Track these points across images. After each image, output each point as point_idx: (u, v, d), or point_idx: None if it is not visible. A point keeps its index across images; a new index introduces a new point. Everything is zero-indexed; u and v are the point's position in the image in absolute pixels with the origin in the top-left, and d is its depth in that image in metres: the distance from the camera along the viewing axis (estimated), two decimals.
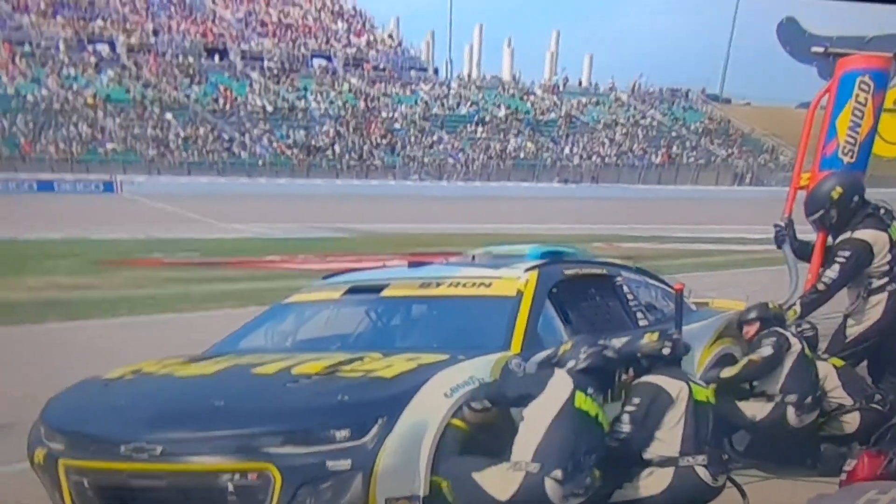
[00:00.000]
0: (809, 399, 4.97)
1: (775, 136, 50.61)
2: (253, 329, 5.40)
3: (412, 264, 5.76)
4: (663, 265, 14.63)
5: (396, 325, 5.29)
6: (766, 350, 5.07)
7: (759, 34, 50.40)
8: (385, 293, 5.19)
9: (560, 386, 3.86)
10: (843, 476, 2.17)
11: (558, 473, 3.64)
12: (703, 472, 4.04)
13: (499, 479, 3.69)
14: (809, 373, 5.08)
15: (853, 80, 6.20)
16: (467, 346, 4.29)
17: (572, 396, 3.78)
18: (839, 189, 5.49)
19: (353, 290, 5.35)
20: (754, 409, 5.06)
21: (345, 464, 3.71)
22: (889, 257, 5.49)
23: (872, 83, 6.19)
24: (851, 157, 6.18)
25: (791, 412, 4.94)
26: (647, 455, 4.10)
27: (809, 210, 5.64)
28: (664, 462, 4.07)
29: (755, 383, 5.16)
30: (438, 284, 5.12)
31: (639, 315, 5.50)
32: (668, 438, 4.09)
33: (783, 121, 46.17)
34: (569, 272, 5.26)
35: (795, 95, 45.39)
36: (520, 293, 4.77)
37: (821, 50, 6.97)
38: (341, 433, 3.73)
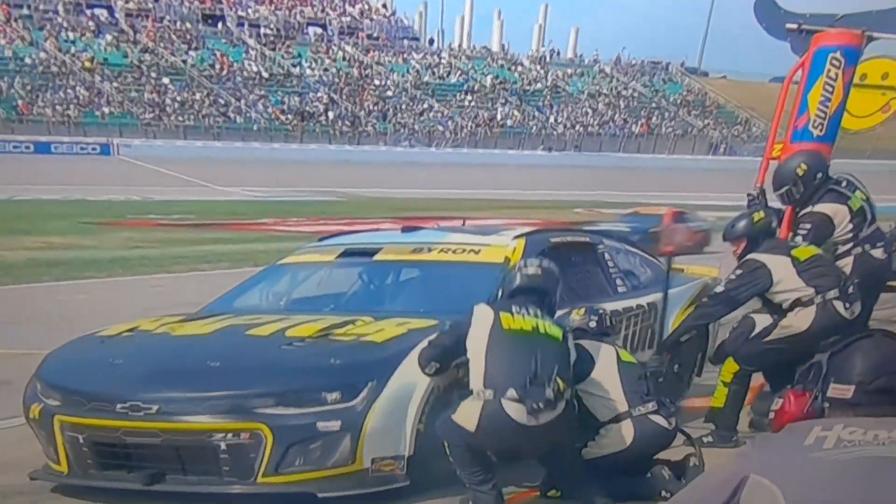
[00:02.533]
0: (850, 288, 4.96)
1: (749, 109, 50.75)
2: (248, 288, 5.46)
3: (405, 229, 5.72)
4: None
5: (388, 288, 5.31)
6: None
7: (736, 10, 50.55)
8: (378, 257, 5.24)
9: (482, 315, 3.84)
10: (772, 415, 1.87)
11: (512, 392, 3.63)
12: (657, 418, 4.10)
13: (465, 413, 3.69)
14: (829, 266, 5.14)
15: (825, 56, 6.19)
16: (456, 310, 4.14)
17: (497, 320, 3.79)
18: (804, 166, 5.51)
19: (347, 254, 5.39)
20: (798, 321, 4.95)
21: (334, 425, 3.78)
22: (851, 226, 5.53)
23: (843, 59, 6.18)
24: (821, 130, 6.18)
25: (840, 306, 4.90)
26: (599, 416, 4.11)
27: (776, 185, 5.69)
28: (620, 417, 4.08)
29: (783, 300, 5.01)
30: (430, 250, 5.15)
31: (618, 281, 5.62)
32: (614, 396, 4.11)
33: (757, 94, 45.96)
34: (555, 240, 5.34)
35: (769, 70, 45.61)
36: (507, 260, 4.78)
37: (794, 26, 6.86)
38: (332, 395, 3.81)
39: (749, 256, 5.06)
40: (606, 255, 5.68)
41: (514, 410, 3.62)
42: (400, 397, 3.88)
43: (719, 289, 5.16)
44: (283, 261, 5.70)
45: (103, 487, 4.03)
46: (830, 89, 6.18)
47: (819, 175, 5.54)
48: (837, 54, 6.21)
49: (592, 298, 4.95)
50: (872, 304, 5.67)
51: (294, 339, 4.16)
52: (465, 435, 3.69)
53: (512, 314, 3.82)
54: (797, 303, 4.98)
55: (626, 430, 4.08)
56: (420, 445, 3.91)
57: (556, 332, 3.90)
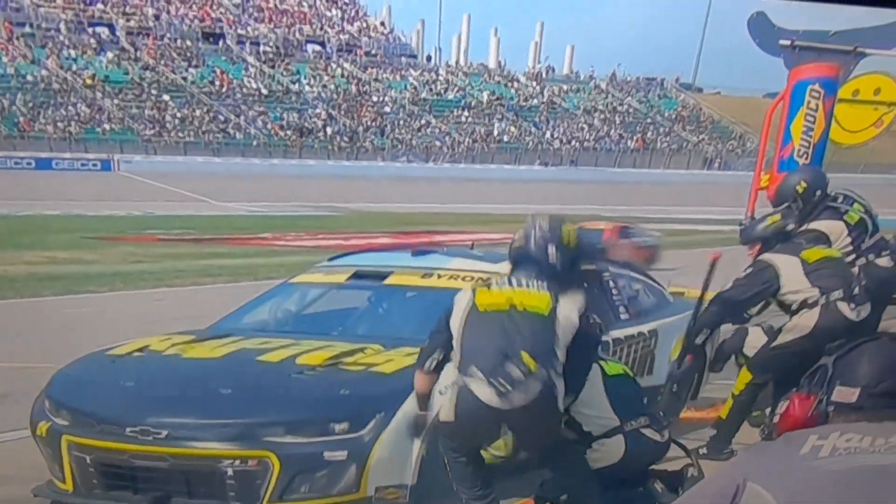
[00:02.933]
0: (856, 289, 4.91)
1: (743, 124, 51.06)
2: (258, 305, 5.42)
3: (416, 252, 5.64)
4: None
5: (397, 314, 5.22)
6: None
7: (730, 27, 50.82)
8: (388, 281, 5.19)
9: (461, 296, 3.79)
10: (776, 419, 1.81)
11: (474, 370, 3.51)
12: (649, 432, 4.03)
13: (445, 405, 3.66)
14: (838, 269, 5.07)
15: (804, 88, 6.39)
16: None
17: (472, 298, 3.71)
18: (803, 184, 5.60)
19: (358, 276, 5.36)
20: (803, 322, 4.91)
21: (341, 454, 3.78)
22: (849, 239, 5.65)
23: (822, 90, 6.38)
24: (806, 158, 6.41)
25: (845, 307, 4.86)
26: (592, 431, 3.99)
27: (777, 201, 5.72)
28: (611, 432, 3.99)
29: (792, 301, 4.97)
30: (440, 276, 5.08)
31: (620, 309, 5.49)
32: (603, 412, 4.00)
33: (751, 109, 45.76)
34: None
35: (763, 85, 45.78)
36: None
37: (788, 43, 6.97)
38: (341, 426, 3.80)
39: (759, 257, 5.08)
40: (611, 283, 5.58)
41: (483, 393, 3.48)
42: (406, 428, 3.86)
43: (727, 289, 5.10)
44: (294, 279, 5.68)
45: None
46: (812, 119, 6.39)
47: (818, 192, 5.65)
48: (816, 86, 6.41)
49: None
50: (881, 311, 5.61)
51: (304, 367, 4.16)
52: (447, 428, 3.66)
53: (489, 288, 3.74)
54: (803, 304, 4.95)
55: (618, 445, 3.97)
56: (424, 474, 3.91)
57: (538, 303, 3.65)
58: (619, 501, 4.04)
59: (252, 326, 5.05)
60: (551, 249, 3.80)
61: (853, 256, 5.57)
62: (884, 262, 5.76)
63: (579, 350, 3.73)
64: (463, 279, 4.91)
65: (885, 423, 1.83)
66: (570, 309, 3.70)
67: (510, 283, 3.73)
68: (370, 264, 5.61)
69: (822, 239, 5.46)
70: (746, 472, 1.80)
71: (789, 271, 4.99)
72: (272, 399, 4.02)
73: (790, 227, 5.29)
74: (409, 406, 3.86)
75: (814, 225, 5.60)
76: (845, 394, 1.91)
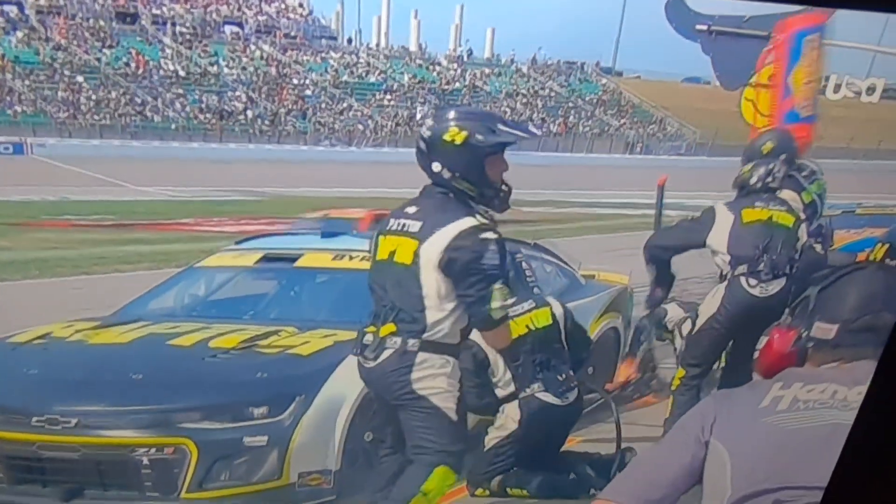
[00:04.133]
0: (762, 265, 4.75)
1: (663, 108, 51.65)
2: (164, 291, 5.34)
3: (325, 234, 5.62)
4: (562, 228, 15.40)
5: (309, 296, 5.19)
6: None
7: (648, 11, 51.67)
8: (299, 263, 5.14)
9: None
10: (756, 354, 2.14)
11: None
12: (545, 396, 4.20)
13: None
14: (766, 236, 4.85)
15: (801, 38, 6.42)
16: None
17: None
18: (769, 145, 5.41)
19: (267, 258, 5.30)
20: (712, 300, 4.85)
21: (261, 440, 3.75)
22: (804, 215, 5.49)
23: (819, 38, 6.43)
24: (809, 110, 6.46)
25: (745, 282, 4.77)
26: (499, 394, 4.26)
27: (743, 161, 5.52)
28: (507, 398, 4.23)
29: None
30: (351, 258, 5.05)
31: (535, 290, 5.40)
32: (502, 377, 4.23)
33: (670, 93, 47.23)
34: None
35: (682, 70, 46.82)
36: None
37: (704, 27, 7.14)
38: (259, 410, 3.78)
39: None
40: (524, 264, 5.54)
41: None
42: (328, 412, 3.86)
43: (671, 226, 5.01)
44: (200, 263, 5.56)
45: (16, 503, 3.87)
46: (811, 70, 6.38)
47: (783, 156, 5.33)
48: (814, 36, 6.38)
49: None
50: (797, 293, 5.49)
51: (218, 350, 4.09)
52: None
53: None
54: (721, 276, 4.86)
55: (513, 411, 4.20)
56: (347, 459, 3.89)
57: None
58: (549, 488, 4.13)
59: (159, 312, 4.95)
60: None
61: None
62: (818, 248, 5.72)
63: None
64: None
65: (856, 366, 1.81)
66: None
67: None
68: (279, 247, 5.50)
69: (782, 204, 5.10)
70: (715, 416, 1.81)
71: (721, 225, 4.87)
72: (186, 384, 3.93)
73: (754, 181, 5.07)
74: (331, 388, 3.85)
75: (778, 192, 5.33)
76: (823, 330, 1.89)
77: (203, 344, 4.17)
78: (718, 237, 4.86)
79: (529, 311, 4.30)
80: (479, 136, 3.31)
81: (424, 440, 3.36)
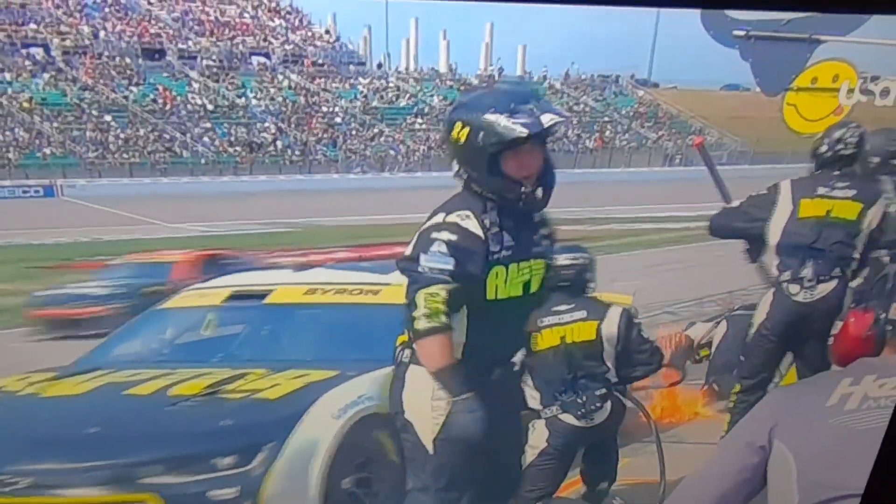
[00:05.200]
0: (808, 271, 4.48)
1: (702, 118, 51.28)
2: (127, 337, 5.11)
3: (298, 268, 5.43)
4: (603, 245, 15.23)
5: (282, 334, 4.95)
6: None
7: (683, 20, 51.34)
8: (269, 300, 4.87)
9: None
10: (831, 340, 2.12)
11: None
12: (566, 417, 4.03)
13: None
14: (812, 238, 4.53)
15: None
16: (358, 358, 4.03)
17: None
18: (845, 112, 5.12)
19: (235, 296, 5.03)
20: (761, 308, 4.65)
21: (230, 492, 3.55)
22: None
23: None
24: None
25: (791, 289, 4.52)
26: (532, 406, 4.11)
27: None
28: (533, 414, 4.08)
29: None
30: (325, 291, 4.84)
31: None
32: (530, 393, 4.06)
33: (709, 102, 46.94)
34: None
35: (720, 77, 46.45)
36: None
37: (742, 34, 6.96)
38: (225, 460, 3.57)
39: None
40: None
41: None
42: (300, 459, 3.65)
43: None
44: (164, 304, 5.31)
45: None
46: None
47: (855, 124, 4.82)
48: None
49: None
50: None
51: (178, 398, 3.90)
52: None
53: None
54: (769, 280, 4.63)
55: (542, 430, 4.03)
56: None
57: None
58: None
59: (123, 359, 4.74)
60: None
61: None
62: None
63: None
64: (349, 293, 4.75)
65: None
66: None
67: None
68: (248, 283, 5.29)
69: (849, 189, 4.52)
70: (775, 418, 1.77)
71: (780, 214, 4.53)
72: (145, 436, 3.72)
73: (823, 149, 4.56)
74: (302, 433, 3.66)
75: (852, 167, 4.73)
76: None
77: (162, 392, 3.97)
78: (774, 228, 4.55)
79: (570, 322, 4.00)
80: (482, 133, 2.94)
81: (409, 477, 3.16)
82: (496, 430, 3.09)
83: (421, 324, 2.89)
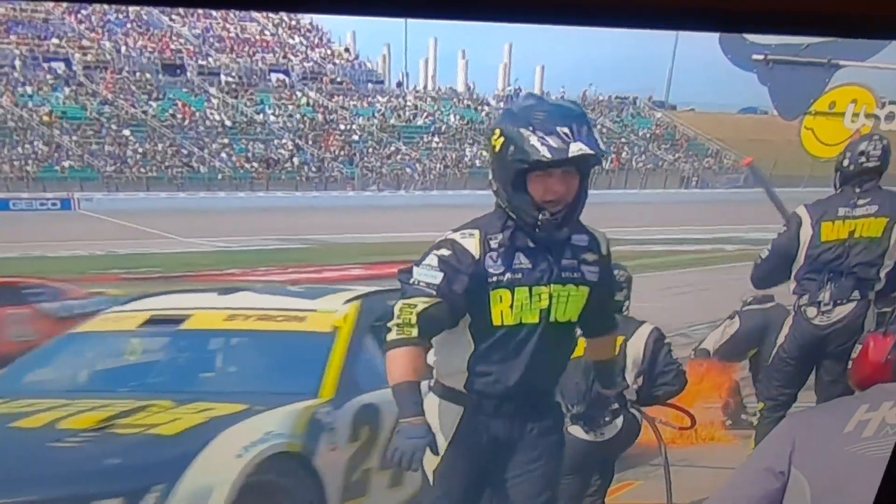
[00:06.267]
0: (826, 294, 4.49)
1: (718, 141, 51.17)
2: (39, 363, 4.81)
3: (223, 291, 5.12)
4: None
5: (196, 363, 4.68)
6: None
7: (701, 43, 51.18)
8: (186, 325, 4.54)
9: None
10: (850, 364, 1.93)
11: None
12: (575, 430, 4.00)
13: None
14: (833, 258, 4.52)
15: None
16: (276, 391, 3.83)
17: None
18: (868, 127, 5.26)
19: (153, 321, 4.71)
20: (784, 332, 4.71)
21: None
22: None
23: None
24: None
25: (810, 312, 4.56)
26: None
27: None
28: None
29: None
30: (247, 317, 4.52)
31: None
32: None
33: (726, 125, 46.74)
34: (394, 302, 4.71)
35: (737, 101, 46.25)
36: (336, 329, 4.22)
37: (761, 57, 7.01)
38: (112, 503, 3.29)
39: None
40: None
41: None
42: (194, 501, 3.31)
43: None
44: (79, 328, 4.96)
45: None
46: None
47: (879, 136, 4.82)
48: None
49: None
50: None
51: (66, 432, 3.52)
52: None
53: None
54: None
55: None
56: None
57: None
58: None
59: (31, 387, 4.42)
60: None
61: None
62: None
63: None
64: (273, 319, 4.39)
65: None
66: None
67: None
68: (167, 307, 4.88)
69: (872, 204, 4.46)
70: (793, 443, 1.73)
71: (804, 238, 4.50)
72: (25, 473, 3.36)
73: (846, 163, 4.50)
74: (197, 474, 3.32)
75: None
76: None
77: (51, 425, 3.59)
78: (798, 255, 4.55)
79: None
80: (512, 147, 2.80)
81: None
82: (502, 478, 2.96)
83: (391, 334, 2.79)
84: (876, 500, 1.55)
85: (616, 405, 3.96)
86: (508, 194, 2.85)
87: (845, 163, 4.51)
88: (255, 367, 4.41)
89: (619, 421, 4.00)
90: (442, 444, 2.87)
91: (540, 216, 2.84)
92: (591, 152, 2.77)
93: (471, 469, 2.95)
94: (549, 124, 2.75)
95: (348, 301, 4.45)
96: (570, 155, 2.74)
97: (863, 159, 4.47)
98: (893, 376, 1.83)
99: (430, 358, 2.95)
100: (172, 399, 3.85)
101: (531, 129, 2.76)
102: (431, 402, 2.93)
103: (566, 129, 2.76)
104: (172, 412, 3.69)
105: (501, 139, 2.81)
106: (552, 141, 2.74)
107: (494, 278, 2.84)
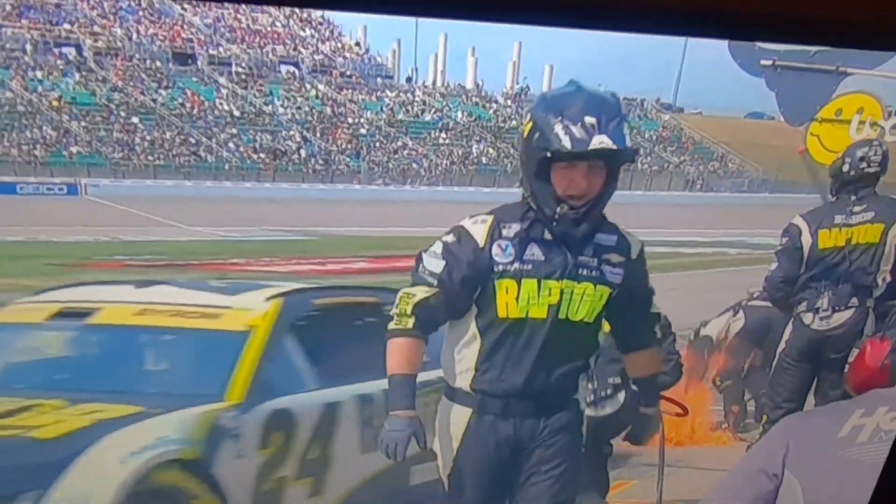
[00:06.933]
0: (824, 301, 4.51)
1: (724, 144, 51.12)
2: None
3: (140, 284, 4.70)
4: None
5: (102, 361, 4.32)
6: None
7: (710, 47, 51.15)
8: (94, 320, 4.21)
9: None
10: (846, 368, 1.96)
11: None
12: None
13: None
14: (832, 266, 4.53)
15: None
16: (177, 393, 3.58)
17: None
18: (872, 134, 5.16)
19: (62, 314, 4.37)
20: (784, 338, 4.70)
21: None
22: None
23: None
24: None
25: (808, 318, 4.56)
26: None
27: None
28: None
29: None
30: (159, 313, 4.20)
31: None
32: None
33: (732, 129, 46.70)
34: (322, 301, 4.43)
35: (745, 105, 46.20)
36: (251, 328, 3.93)
37: (769, 63, 7.01)
38: None
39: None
40: None
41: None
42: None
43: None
44: None
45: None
46: None
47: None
48: None
49: (376, 373, 3.36)
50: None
51: None
52: None
53: None
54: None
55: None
56: None
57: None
58: None
59: None
60: None
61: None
62: None
63: None
64: (186, 316, 4.05)
65: None
66: None
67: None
68: (78, 299, 4.52)
69: (869, 210, 4.46)
70: (787, 446, 1.75)
71: (804, 247, 4.49)
72: None
73: (846, 168, 4.47)
74: (74, 481, 3.02)
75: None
76: None
77: None
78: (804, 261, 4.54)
79: None
80: (538, 134, 2.64)
81: None
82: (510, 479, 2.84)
83: (390, 323, 2.72)
84: None
85: (619, 379, 3.84)
86: (531, 183, 2.70)
87: (845, 168, 4.47)
88: (159, 367, 4.13)
89: (621, 396, 3.87)
90: (453, 448, 2.82)
91: (559, 209, 2.66)
92: (613, 147, 2.55)
93: (483, 472, 2.82)
94: (577, 113, 2.58)
95: (270, 298, 4.14)
96: (591, 148, 2.54)
97: (863, 164, 4.44)
98: (890, 381, 1.84)
99: (443, 360, 2.86)
100: (67, 398, 3.55)
101: (560, 117, 2.60)
102: (444, 406, 2.87)
103: (593, 120, 2.57)
104: (59, 413, 3.41)
105: (530, 124, 2.67)
106: (576, 131, 2.57)
107: (501, 267, 2.70)
